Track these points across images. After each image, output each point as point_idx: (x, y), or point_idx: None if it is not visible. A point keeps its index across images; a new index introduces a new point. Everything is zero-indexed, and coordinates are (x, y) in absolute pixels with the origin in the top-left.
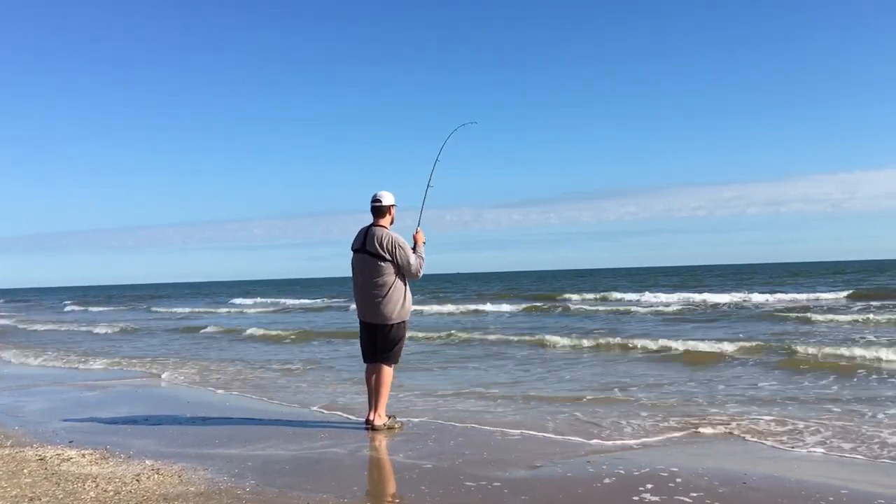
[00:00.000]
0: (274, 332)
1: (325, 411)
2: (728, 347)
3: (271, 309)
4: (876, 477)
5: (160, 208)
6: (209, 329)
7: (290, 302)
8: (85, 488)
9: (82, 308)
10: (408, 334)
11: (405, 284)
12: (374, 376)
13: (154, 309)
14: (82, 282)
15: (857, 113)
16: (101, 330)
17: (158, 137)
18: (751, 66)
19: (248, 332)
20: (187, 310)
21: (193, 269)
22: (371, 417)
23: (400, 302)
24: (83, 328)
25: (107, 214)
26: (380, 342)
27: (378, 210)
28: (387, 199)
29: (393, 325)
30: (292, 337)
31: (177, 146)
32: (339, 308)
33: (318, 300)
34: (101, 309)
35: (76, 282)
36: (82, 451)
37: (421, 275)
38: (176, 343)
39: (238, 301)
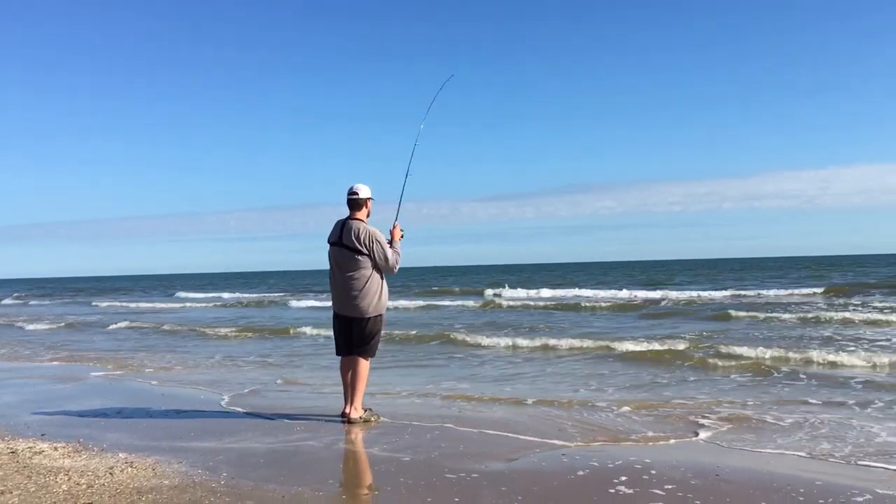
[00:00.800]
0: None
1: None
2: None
3: (201, 305)
4: (848, 470)
5: (136, 201)
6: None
7: (227, 296)
8: (57, 481)
9: (22, 302)
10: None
11: (382, 278)
12: (349, 370)
13: (95, 303)
14: (45, 274)
15: (829, 111)
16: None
17: (132, 128)
18: (726, 64)
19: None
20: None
21: (166, 262)
22: (347, 411)
23: (376, 296)
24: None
25: (76, 206)
26: (356, 336)
27: (355, 203)
28: (363, 191)
29: (369, 318)
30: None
31: (150, 138)
32: (268, 304)
33: (256, 294)
34: (42, 303)
35: (39, 274)
36: (54, 444)
37: (397, 269)
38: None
39: (183, 295)
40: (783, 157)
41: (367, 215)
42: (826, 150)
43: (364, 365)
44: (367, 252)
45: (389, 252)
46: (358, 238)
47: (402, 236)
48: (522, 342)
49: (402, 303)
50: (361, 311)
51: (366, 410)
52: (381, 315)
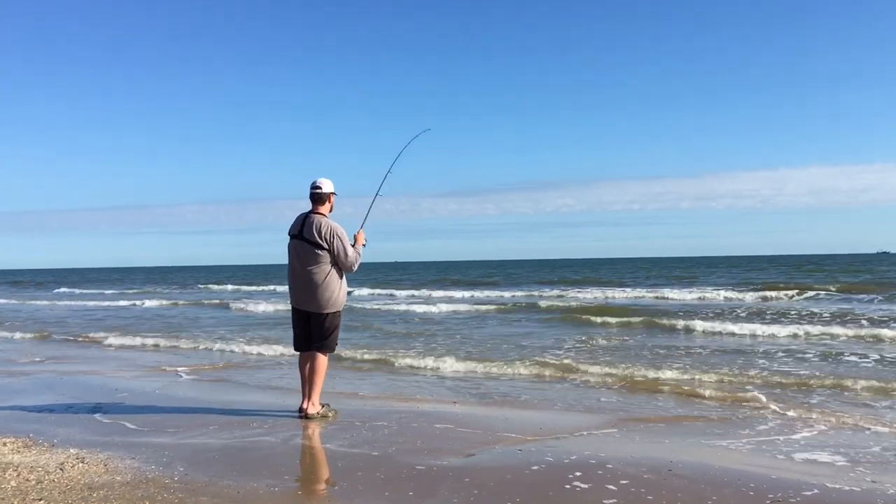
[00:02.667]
0: None
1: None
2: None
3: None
4: (801, 466)
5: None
6: None
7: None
8: (6, 477)
9: None
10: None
11: (341, 275)
12: (307, 364)
13: None
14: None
15: (782, 111)
16: None
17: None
18: (683, 61)
19: None
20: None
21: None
22: (304, 406)
23: (335, 291)
24: None
25: (31, 196)
26: (314, 330)
27: (317, 197)
28: (326, 186)
29: (328, 314)
30: None
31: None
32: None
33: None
34: None
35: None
36: (3, 440)
37: (355, 269)
38: None
39: (62, 290)
40: (737, 157)
41: (330, 210)
42: (778, 152)
43: (322, 360)
44: (326, 247)
45: (350, 249)
46: (319, 232)
47: (364, 244)
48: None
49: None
50: (320, 305)
51: (323, 406)
52: (339, 311)
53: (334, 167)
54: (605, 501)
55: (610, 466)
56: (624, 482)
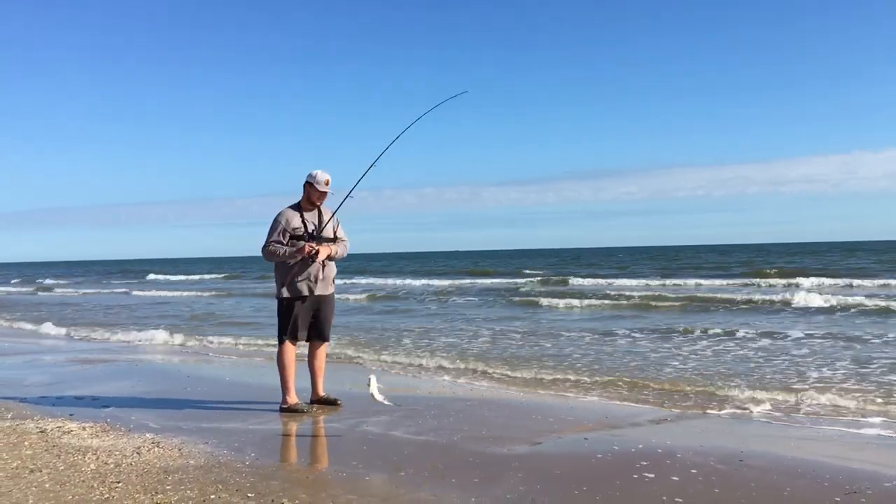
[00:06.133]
0: None
1: None
2: None
3: None
4: (879, 457)
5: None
6: None
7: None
8: (86, 461)
9: None
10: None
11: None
12: (313, 356)
13: None
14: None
15: (855, 94)
16: None
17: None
18: (751, 47)
19: None
20: None
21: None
22: (321, 392)
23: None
24: None
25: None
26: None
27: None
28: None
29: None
30: None
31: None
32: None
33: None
34: None
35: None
36: (83, 424)
37: (266, 258)
38: None
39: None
40: (808, 142)
41: (304, 198)
42: (853, 135)
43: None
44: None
45: (266, 240)
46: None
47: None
48: None
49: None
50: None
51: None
52: (280, 298)
53: (406, 156)
54: (672, 492)
55: (679, 456)
56: (693, 472)
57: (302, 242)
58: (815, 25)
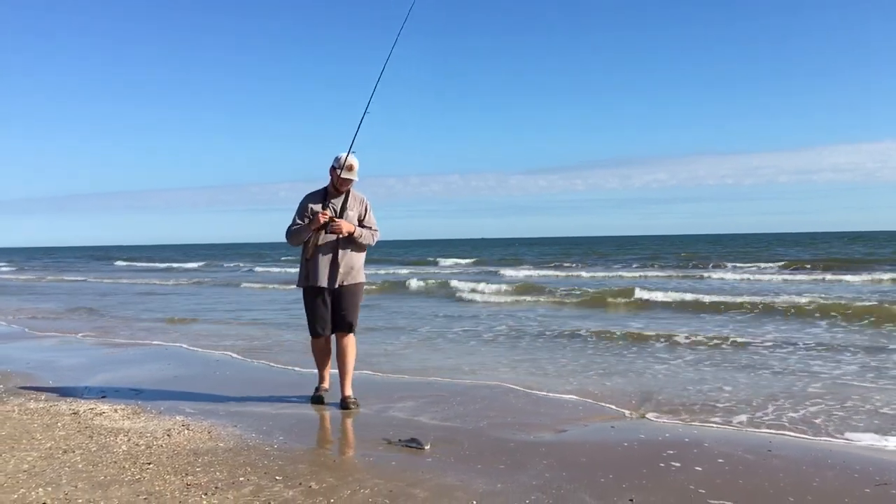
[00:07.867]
0: None
1: None
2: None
3: None
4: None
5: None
6: None
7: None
8: (117, 442)
9: None
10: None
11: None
12: (341, 349)
13: None
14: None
15: (886, 83)
16: None
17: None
18: (782, 36)
19: None
20: None
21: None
22: (348, 393)
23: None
24: None
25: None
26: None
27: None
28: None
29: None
30: None
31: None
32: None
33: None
34: None
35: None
36: (114, 406)
37: (289, 241)
38: None
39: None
40: (836, 130)
41: (331, 182)
42: (886, 124)
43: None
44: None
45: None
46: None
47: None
48: None
49: None
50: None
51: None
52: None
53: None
54: (699, 481)
55: (706, 445)
56: (720, 461)
57: (318, 212)
58: (843, 14)
